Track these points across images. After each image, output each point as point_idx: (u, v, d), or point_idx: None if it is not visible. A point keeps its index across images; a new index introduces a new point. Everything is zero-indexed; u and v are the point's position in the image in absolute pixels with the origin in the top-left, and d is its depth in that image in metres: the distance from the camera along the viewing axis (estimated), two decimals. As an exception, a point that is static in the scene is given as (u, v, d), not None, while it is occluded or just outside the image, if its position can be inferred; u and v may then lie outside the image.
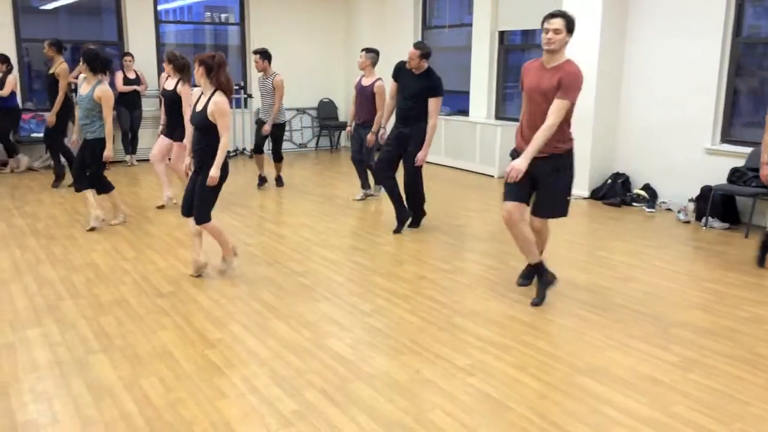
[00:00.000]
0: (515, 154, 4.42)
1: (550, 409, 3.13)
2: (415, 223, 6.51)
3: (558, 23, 4.13)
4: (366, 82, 7.47)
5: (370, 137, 7.34)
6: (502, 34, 9.88)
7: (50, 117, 8.00)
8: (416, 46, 6.06)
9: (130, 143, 10.19)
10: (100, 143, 6.08)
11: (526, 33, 9.89)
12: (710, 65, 7.10)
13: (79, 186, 6.26)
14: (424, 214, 6.54)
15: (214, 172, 4.65)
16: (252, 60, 11.27)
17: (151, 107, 10.32)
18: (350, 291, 4.76)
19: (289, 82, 10.24)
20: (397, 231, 6.34)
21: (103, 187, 6.41)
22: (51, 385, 3.31)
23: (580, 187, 8.18)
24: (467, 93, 10.40)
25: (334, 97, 12.38)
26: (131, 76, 9.98)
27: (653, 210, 7.50)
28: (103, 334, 3.95)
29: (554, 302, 4.56)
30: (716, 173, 6.95)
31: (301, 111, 12.09)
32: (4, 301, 4.49)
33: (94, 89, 5.96)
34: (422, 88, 6.02)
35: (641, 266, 5.42)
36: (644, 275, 5.17)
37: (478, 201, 7.98)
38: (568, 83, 4.13)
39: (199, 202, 4.77)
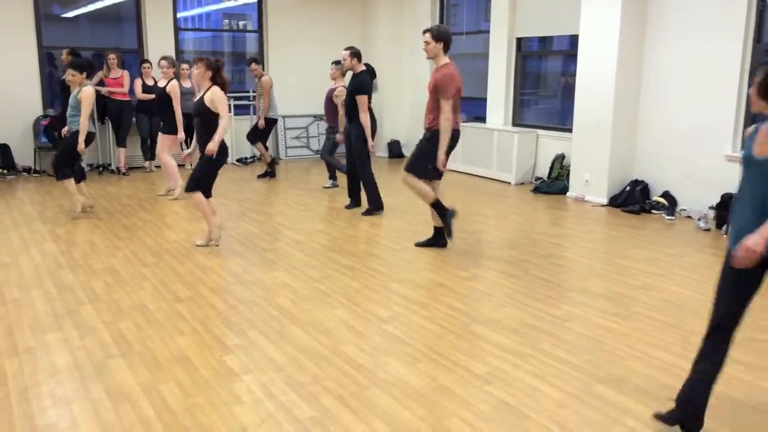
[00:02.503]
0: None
1: (569, 419, 3.10)
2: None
3: None
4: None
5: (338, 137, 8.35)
6: (519, 40, 9.86)
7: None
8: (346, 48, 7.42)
9: (149, 149, 10.28)
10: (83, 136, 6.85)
11: (543, 40, 9.86)
12: (730, 72, 7.03)
13: (60, 175, 6.91)
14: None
15: (212, 145, 5.59)
16: (267, 68, 11.40)
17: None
18: (367, 297, 4.76)
19: (306, 89, 10.48)
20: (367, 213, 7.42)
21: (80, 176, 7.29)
22: (70, 390, 3.34)
23: (599, 194, 8.13)
24: (484, 100, 10.39)
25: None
26: (149, 83, 10.05)
27: (673, 217, 7.43)
28: (122, 339, 3.98)
29: (572, 310, 4.53)
30: (737, 180, 6.87)
31: (318, 118, 12.13)
32: (24, 305, 4.54)
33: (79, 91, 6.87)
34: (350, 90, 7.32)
35: (661, 274, 5.36)
36: (664, 283, 5.12)
37: (495, 208, 7.95)
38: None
39: (194, 174, 5.73)
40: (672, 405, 3.00)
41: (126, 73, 9.99)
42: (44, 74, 10.04)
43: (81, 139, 6.71)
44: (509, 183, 9.50)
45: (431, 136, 5.75)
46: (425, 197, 5.84)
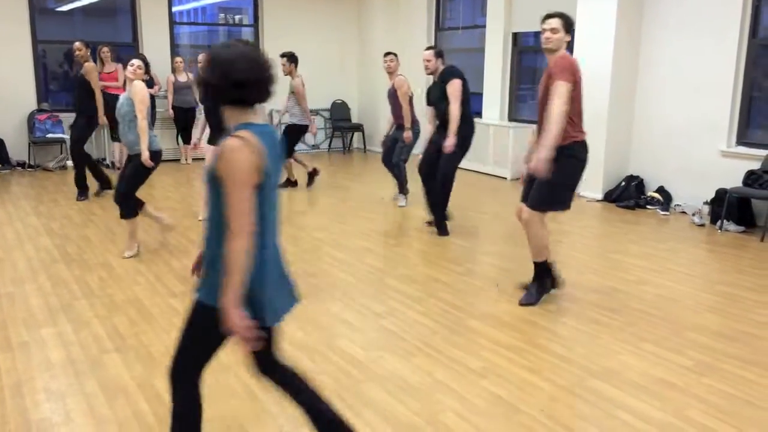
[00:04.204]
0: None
1: (563, 413, 3.11)
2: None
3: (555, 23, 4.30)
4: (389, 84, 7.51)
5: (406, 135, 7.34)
6: (515, 35, 9.85)
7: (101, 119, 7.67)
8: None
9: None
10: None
11: (539, 35, 9.84)
12: (726, 67, 7.04)
13: (129, 212, 5.56)
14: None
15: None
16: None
17: (160, 108, 10.36)
18: (362, 292, 4.76)
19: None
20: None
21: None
22: (64, 384, 3.33)
23: (595, 189, 8.14)
24: (480, 95, 10.38)
25: (347, 99, 12.40)
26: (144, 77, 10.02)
27: (667, 213, 7.45)
28: (116, 333, 3.97)
29: (567, 305, 4.54)
30: (732, 176, 6.89)
31: (314, 112, 12.10)
32: (18, 300, 4.52)
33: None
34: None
35: (655, 269, 5.38)
36: (658, 278, 5.13)
37: (491, 203, 7.96)
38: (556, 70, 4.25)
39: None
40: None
41: (120, 67, 9.94)
42: (39, 68, 10.00)
43: (144, 146, 5.28)
44: (505, 178, 9.51)
45: (566, 153, 4.30)
46: (539, 251, 4.46)
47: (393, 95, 7.44)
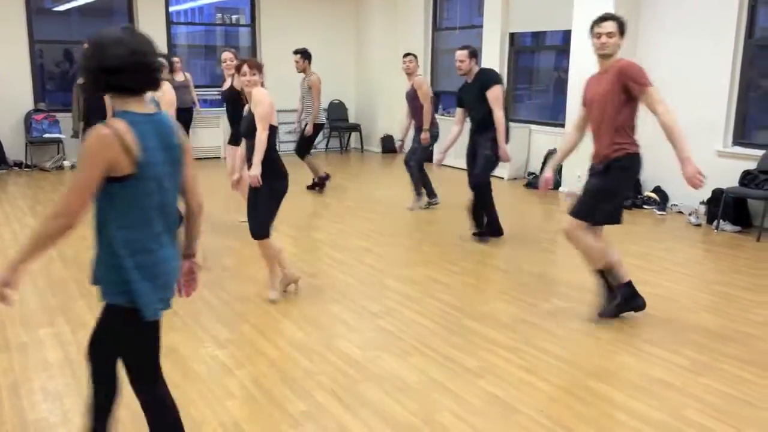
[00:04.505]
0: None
1: (560, 413, 3.11)
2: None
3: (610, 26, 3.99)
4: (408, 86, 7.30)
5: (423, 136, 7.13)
6: (512, 36, 9.86)
7: None
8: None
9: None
10: None
11: (536, 35, 9.87)
12: (722, 67, 7.05)
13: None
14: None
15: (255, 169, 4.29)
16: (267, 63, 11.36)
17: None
18: (360, 293, 4.76)
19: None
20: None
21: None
22: (62, 384, 3.33)
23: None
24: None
25: (345, 99, 12.40)
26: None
27: (664, 213, 7.46)
28: (113, 333, 3.97)
29: (564, 305, 4.55)
30: (728, 176, 6.91)
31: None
32: (16, 300, 4.52)
33: None
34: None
35: (652, 269, 5.39)
36: (655, 278, 5.14)
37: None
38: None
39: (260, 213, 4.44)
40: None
41: None
42: (35, 68, 9.99)
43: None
44: (502, 178, 9.51)
45: (617, 165, 4.07)
46: (594, 259, 4.23)
47: (413, 96, 7.20)
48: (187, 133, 10.47)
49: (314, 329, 4.08)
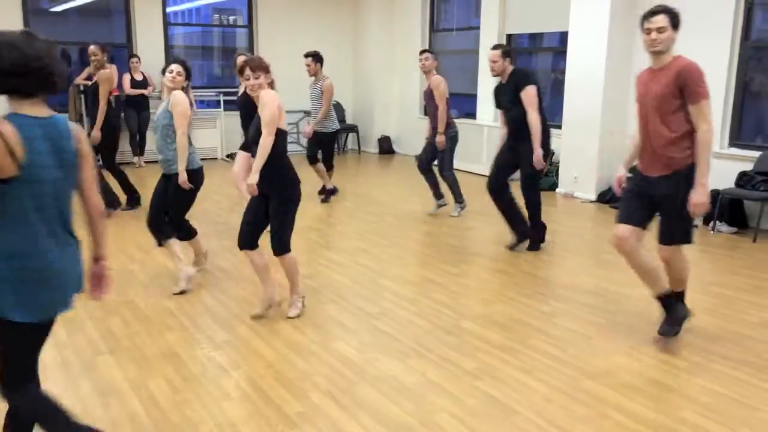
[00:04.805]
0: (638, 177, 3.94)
1: (557, 414, 3.12)
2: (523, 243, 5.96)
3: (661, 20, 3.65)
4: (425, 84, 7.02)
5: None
6: (509, 37, 9.87)
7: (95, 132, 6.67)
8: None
9: (138, 145, 10.24)
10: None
11: (533, 36, 9.88)
12: (719, 69, 7.06)
13: (164, 235, 4.78)
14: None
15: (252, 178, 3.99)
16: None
17: (153, 109, 10.34)
18: (357, 293, 4.76)
19: (296, 84, 9.99)
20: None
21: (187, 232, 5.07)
22: (58, 386, 3.32)
23: (588, 190, 8.16)
24: (474, 96, 10.39)
25: (342, 100, 12.39)
26: (138, 77, 10.02)
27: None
28: (110, 335, 3.97)
29: (561, 306, 4.55)
30: (724, 177, 6.92)
31: (308, 113, 12.11)
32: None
33: None
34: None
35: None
36: (651, 279, 5.15)
37: (484, 204, 7.95)
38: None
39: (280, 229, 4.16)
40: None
41: (114, 68, 9.93)
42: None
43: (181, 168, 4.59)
44: (499, 179, 9.52)
45: (689, 176, 3.67)
46: (681, 281, 3.94)
47: (430, 96, 6.91)
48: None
49: (311, 330, 4.07)
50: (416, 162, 7.17)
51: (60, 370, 3.49)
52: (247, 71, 3.95)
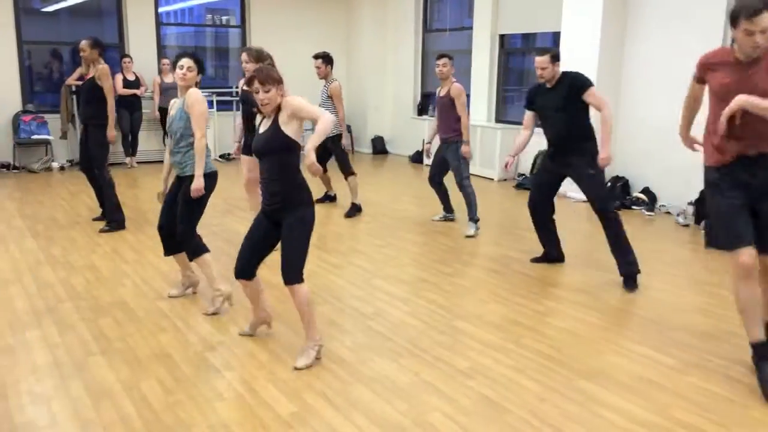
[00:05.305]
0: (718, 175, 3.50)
1: (549, 412, 3.12)
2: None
3: None
4: (443, 91, 6.54)
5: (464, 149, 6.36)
6: (502, 37, 9.89)
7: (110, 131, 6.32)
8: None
9: (130, 145, 10.21)
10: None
11: (526, 36, 9.90)
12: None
13: (196, 250, 4.44)
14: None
15: None
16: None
17: (146, 109, 10.30)
18: (351, 294, 4.76)
19: (289, 85, 9.98)
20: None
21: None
22: (50, 387, 3.31)
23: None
24: (468, 96, 10.40)
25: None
26: (130, 77, 9.99)
27: (652, 213, 7.50)
28: (102, 336, 3.95)
29: (553, 305, 4.56)
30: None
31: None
32: (3, 302, 4.48)
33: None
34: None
35: (640, 269, 5.40)
36: (643, 278, 5.16)
37: (478, 204, 7.96)
38: None
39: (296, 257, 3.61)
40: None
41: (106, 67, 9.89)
42: (24, 69, 9.92)
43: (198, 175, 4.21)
44: (492, 179, 9.54)
45: None
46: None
47: (447, 105, 6.40)
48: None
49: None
50: (459, 189, 6.51)
51: (51, 371, 3.48)
52: (256, 84, 3.41)
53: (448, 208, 7.01)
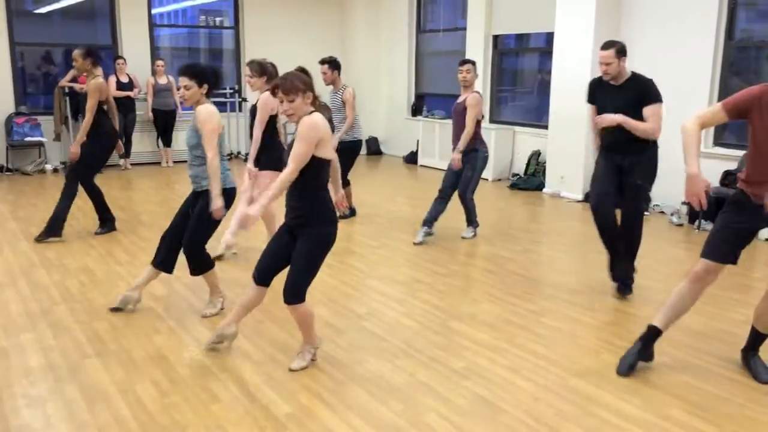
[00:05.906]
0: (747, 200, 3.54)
1: (544, 412, 3.13)
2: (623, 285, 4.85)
3: None
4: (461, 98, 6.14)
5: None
6: (496, 38, 9.91)
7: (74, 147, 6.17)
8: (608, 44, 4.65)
9: (124, 147, 10.17)
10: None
11: (520, 37, 9.92)
12: (703, 68, 7.13)
13: (201, 266, 4.32)
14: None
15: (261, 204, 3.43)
16: (242, 65, 11.32)
17: (140, 111, 10.27)
18: (345, 294, 4.76)
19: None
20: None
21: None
22: (44, 390, 3.30)
23: (574, 190, 8.20)
24: (461, 96, 10.42)
25: (329, 102, 12.38)
26: (124, 79, 9.97)
27: (646, 213, 7.51)
28: (96, 338, 3.94)
29: (548, 305, 4.57)
30: (709, 176, 6.88)
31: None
32: None
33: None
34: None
35: (634, 269, 5.42)
36: (637, 278, 5.17)
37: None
38: None
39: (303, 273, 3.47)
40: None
41: (99, 70, 9.86)
42: (16, 71, 9.88)
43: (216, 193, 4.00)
44: (486, 179, 9.54)
45: None
46: None
47: (462, 112, 6.06)
48: (170, 135, 10.44)
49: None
50: (461, 199, 6.28)
51: (46, 374, 3.47)
52: (280, 94, 3.29)
53: (473, 220, 6.46)
